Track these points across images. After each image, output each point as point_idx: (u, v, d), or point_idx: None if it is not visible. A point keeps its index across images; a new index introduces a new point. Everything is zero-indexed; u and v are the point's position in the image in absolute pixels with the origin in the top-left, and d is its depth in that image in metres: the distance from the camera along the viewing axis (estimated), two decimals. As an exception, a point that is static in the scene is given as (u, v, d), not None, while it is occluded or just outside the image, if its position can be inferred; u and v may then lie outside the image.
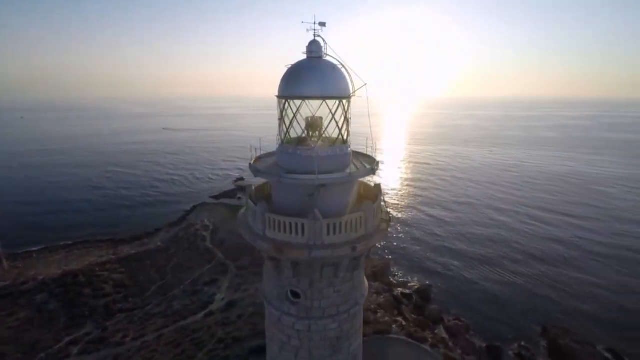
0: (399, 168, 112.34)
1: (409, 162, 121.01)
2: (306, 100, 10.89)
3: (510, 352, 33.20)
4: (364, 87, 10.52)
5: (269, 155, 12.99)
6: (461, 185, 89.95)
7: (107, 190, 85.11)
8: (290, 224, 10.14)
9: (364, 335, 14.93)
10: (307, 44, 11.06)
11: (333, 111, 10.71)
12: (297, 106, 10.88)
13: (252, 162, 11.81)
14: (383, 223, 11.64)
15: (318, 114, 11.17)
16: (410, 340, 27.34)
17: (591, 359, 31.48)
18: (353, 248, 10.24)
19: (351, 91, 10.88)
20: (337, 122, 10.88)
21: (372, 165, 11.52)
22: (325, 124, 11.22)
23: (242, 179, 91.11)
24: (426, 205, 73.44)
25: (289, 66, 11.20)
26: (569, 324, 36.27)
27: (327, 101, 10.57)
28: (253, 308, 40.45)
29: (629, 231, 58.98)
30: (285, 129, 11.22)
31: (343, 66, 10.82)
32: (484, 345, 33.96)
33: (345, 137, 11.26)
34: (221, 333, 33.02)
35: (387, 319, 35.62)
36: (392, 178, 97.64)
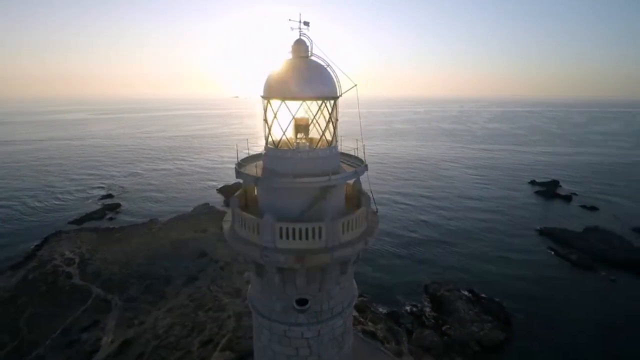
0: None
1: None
2: (290, 101, 10.57)
3: (404, 312, 40.21)
4: (354, 87, 10.92)
5: (246, 160, 12.02)
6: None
7: None
8: (307, 229, 9.76)
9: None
10: (292, 43, 10.72)
11: (330, 111, 10.74)
12: (295, 108, 10.44)
13: (240, 170, 10.74)
14: (372, 214, 12.38)
15: (303, 115, 10.99)
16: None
17: (459, 300, 40.79)
18: (365, 242, 10.62)
19: (339, 91, 11.10)
20: (332, 123, 10.96)
21: (360, 163, 12.10)
22: (312, 124, 11.12)
23: (110, 196, 77.13)
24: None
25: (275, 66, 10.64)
26: (441, 279, 45.77)
27: (326, 102, 10.53)
28: (156, 341, 35.47)
29: (469, 206, 75.49)
30: (282, 131, 10.60)
31: (329, 65, 10.95)
32: (385, 312, 39.44)
33: (336, 138, 11.46)
34: (118, 382, 28.06)
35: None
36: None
